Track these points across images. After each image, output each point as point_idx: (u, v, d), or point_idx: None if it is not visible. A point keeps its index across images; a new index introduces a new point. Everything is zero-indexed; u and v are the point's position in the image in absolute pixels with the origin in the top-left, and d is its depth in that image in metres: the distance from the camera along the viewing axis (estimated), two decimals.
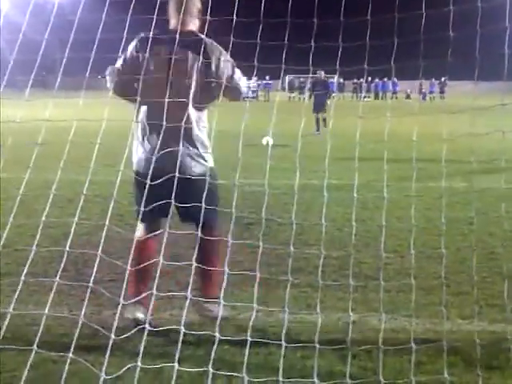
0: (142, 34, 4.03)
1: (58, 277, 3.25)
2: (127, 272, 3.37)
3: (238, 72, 4.17)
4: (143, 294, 3.78)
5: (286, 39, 3.96)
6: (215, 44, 4.10)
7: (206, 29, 4.00)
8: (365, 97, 47.48)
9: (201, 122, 4.12)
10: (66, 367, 2.89)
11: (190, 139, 4.01)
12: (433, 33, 4.16)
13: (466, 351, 3.75)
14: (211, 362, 3.03)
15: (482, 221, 6.86)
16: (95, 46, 3.80)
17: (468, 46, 4.21)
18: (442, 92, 49.36)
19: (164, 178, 3.51)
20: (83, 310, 3.13)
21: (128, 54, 4.09)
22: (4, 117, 4.43)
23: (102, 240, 3.35)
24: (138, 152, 4.13)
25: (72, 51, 3.87)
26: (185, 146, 3.93)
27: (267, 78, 48.82)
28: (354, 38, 4.04)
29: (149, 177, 3.46)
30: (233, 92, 4.16)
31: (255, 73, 4.27)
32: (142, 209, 3.45)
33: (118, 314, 3.23)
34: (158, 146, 3.79)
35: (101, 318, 4.19)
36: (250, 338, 3.22)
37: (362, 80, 45.99)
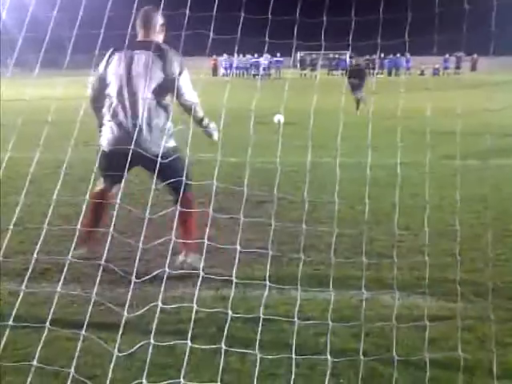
0: (113, 48, 4.63)
1: (70, 255, 3.26)
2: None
3: (188, 81, 4.64)
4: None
5: (297, 15, 3.89)
6: (174, 51, 4.62)
7: (216, 5, 3.99)
8: (378, 73, 46.98)
9: (162, 111, 4.58)
10: (79, 344, 2.90)
11: (149, 125, 4.52)
12: (447, 6, 4.06)
13: (479, 328, 3.73)
14: (224, 339, 3.03)
15: (496, 198, 6.79)
16: (104, 22, 3.77)
17: (483, 19, 4.12)
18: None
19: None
20: (95, 287, 3.14)
21: (100, 66, 4.68)
22: (14, 95, 4.41)
23: (114, 218, 3.35)
24: (106, 133, 4.64)
25: (81, 29, 3.84)
26: (145, 130, 4.50)
27: (278, 55, 48.41)
28: (366, 13, 3.96)
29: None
30: (181, 99, 4.59)
31: (266, 49, 4.22)
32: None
33: (130, 292, 3.24)
34: (121, 131, 4.51)
35: (113, 295, 4.20)
36: (262, 315, 3.22)
37: (374, 56, 45.53)
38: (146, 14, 4.65)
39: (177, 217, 4.05)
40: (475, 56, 48.00)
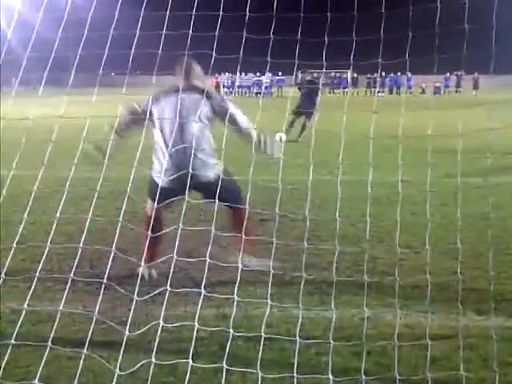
0: (156, 91, 5.03)
1: (72, 273, 3.27)
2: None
3: (235, 108, 4.95)
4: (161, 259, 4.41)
5: (299, 34, 3.94)
6: (215, 91, 5.21)
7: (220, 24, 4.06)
8: (379, 92, 47.11)
9: (208, 140, 4.98)
10: (81, 363, 2.91)
11: (200, 154, 4.87)
12: (448, 26, 4.11)
13: (482, 347, 3.72)
14: (225, 357, 3.03)
15: (497, 216, 6.79)
16: (108, 42, 3.82)
17: (483, 39, 4.16)
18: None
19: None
20: (97, 306, 3.14)
21: (143, 102, 5.06)
22: (18, 114, 4.46)
23: (116, 236, 3.36)
24: (159, 167, 4.94)
25: (85, 48, 3.89)
26: (197, 159, 4.78)
27: (280, 73, 48.66)
28: (367, 33, 4.01)
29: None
30: (236, 126, 4.88)
31: (268, 68, 4.26)
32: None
33: (132, 311, 3.24)
34: (174, 163, 4.78)
35: (115, 314, 4.20)
36: (263, 334, 3.21)
37: (376, 75, 45.74)
38: (187, 64, 5.13)
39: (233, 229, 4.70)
40: (476, 75, 48.04)
